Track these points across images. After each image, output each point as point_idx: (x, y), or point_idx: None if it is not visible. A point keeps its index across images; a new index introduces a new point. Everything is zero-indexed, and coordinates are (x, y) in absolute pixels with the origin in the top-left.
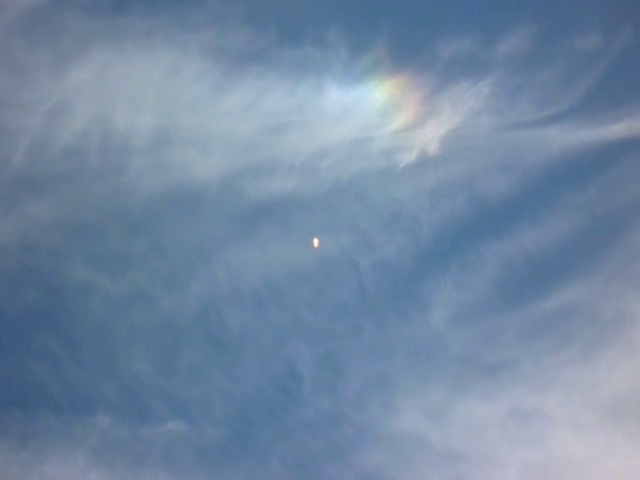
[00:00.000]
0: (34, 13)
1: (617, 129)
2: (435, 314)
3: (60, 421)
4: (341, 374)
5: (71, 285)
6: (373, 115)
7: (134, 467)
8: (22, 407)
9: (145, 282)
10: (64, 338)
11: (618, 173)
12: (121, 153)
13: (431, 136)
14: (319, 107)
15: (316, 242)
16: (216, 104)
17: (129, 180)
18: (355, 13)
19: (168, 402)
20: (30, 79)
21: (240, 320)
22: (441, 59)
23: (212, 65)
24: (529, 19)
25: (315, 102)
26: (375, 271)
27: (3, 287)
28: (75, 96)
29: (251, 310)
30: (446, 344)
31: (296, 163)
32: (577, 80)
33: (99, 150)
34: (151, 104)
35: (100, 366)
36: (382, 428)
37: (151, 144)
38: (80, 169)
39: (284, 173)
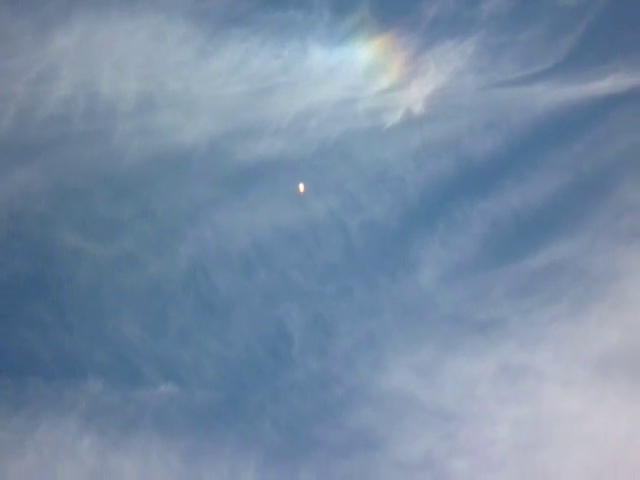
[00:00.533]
0: None
1: (602, 85)
2: (424, 273)
3: (51, 387)
4: (331, 335)
5: (60, 251)
6: (358, 76)
7: (126, 431)
8: (13, 374)
9: (133, 246)
10: (53, 304)
11: (604, 129)
12: (107, 118)
13: (416, 96)
14: (304, 69)
15: (301, 187)
16: (201, 68)
17: (116, 145)
18: None
19: (159, 366)
20: (14, 46)
21: (229, 282)
22: (425, 19)
23: (196, 29)
24: None
25: (300, 64)
26: (363, 231)
27: None
28: (60, 62)
29: (240, 272)
30: (435, 303)
31: (282, 125)
32: (561, 37)
33: (85, 115)
34: (136, 69)
35: (90, 331)
36: (372, 388)
37: (137, 108)
38: (66, 135)
39: (270, 135)
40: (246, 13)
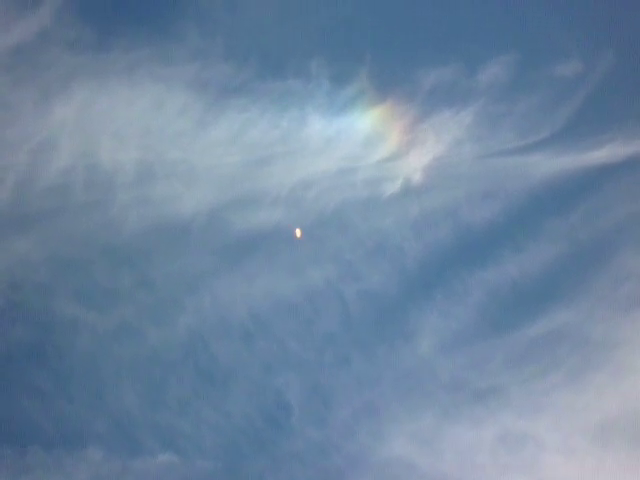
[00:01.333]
0: (18, 50)
1: (599, 155)
2: (422, 342)
3: (51, 456)
4: (330, 404)
5: (59, 321)
6: (357, 145)
7: None
8: (13, 443)
9: (132, 316)
10: (53, 373)
11: (600, 198)
12: (106, 188)
13: (415, 165)
14: (302, 139)
15: (298, 233)
16: (200, 138)
17: (115, 215)
18: (336, 44)
19: (158, 435)
20: (15, 116)
21: (228, 352)
22: (423, 88)
23: (195, 99)
24: (509, 47)
25: (298, 134)
26: (361, 301)
27: None
28: (60, 132)
29: (238, 342)
30: (434, 371)
31: (281, 195)
32: (558, 107)
33: (84, 186)
34: (135, 139)
35: (90, 400)
36: (372, 456)
37: (136, 178)
38: (66, 205)
39: (269, 205)
40: (245, 83)
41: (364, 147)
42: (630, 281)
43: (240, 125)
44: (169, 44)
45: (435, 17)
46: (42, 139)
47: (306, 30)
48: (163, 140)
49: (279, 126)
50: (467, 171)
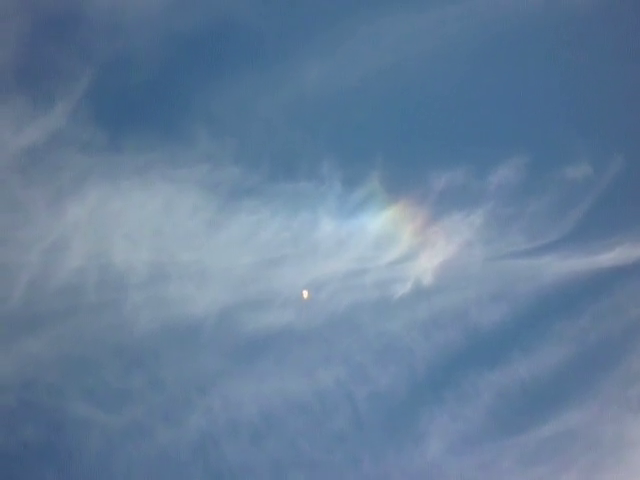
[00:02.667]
0: (31, 151)
1: (608, 257)
2: (431, 443)
3: None
4: None
5: (70, 420)
6: (367, 247)
7: None
8: None
9: (143, 416)
10: (64, 473)
11: (609, 301)
12: (118, 289)
13: (425, 267)
14: (314, 240)
15: (305, 294)
16: (212, 238)
17: (126, 315)
18: (348, 146)
19: None
20: (28, 216)
21: (238, 452)
22: (434, 191)
23: (207, 200)
24: (520, 150)
25: (310, 235)
26: (371, 402)
27: (3, 423)
28: (72, 233)
29: (249, 442)
30: (444, 473)
31: (292, 296)
32: (568, 209)
33: (97, 286)
34: (147, 239)
35: None
36: None
37: (148, 279)
38: (78, 305)
39: (280, 306)
40: (257, 185)
41: (375, 249)
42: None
43: (251, 226)
44: (180, 146)
45: (446, 120)
46: (55, 239)
47: (317, 132)
48: (175, 241)
49: (290, 228)
50: (477, 273)
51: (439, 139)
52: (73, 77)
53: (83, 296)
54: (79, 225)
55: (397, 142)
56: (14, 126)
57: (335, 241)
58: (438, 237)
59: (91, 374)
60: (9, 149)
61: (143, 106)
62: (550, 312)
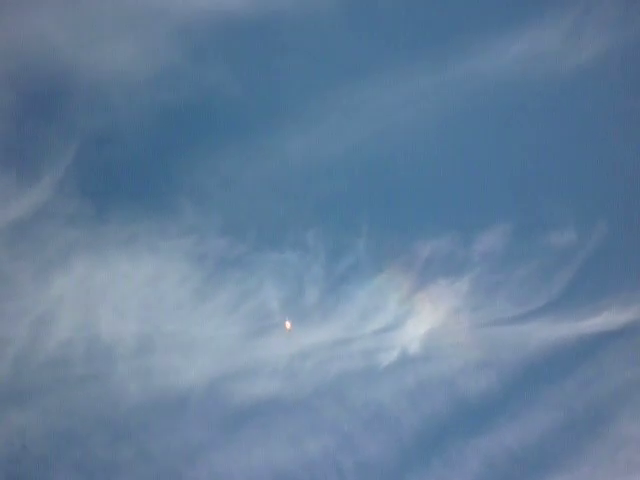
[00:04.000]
0: (18, 224)
1: (595, 322)
2: None
3: None
4: None
5: None
6: (354, 316)
7: None
8: None
9: None
10: None
11: (597, 366)
12: (106, 360)
13: (412, 335)
14: (300, 310)
15: (288, 325)
16: (198, 309)
17: (114, 387)
18: (333, 216)
19: None
20: (15, 289)
21: None
22: (420, 258)
23: (194, 271)
24: (504, 217)
25: (296, 305)
26: (358, 471)
27: None
28: (59, 305)
29: None
30: None
31: (278, 366)
32: (554, 276)
33: (84, 358)
34: (134, 311)
35: None
36: None
37: (135, 350)
38: (65, 378)
39: (267, 376)
40: (243, 255)
41: (361, 317)
42: (628, 447)
43: (238, 296)
44: (166, 218)
45: (430, 188)
46: (42, 312)
47: (302, 202)
48: (162, 312)
49: (277, 298)
50: (463, 340)
51: (424, 207)
52: (59, 151)
53: (70, 368)
54: (66, 297)
55: (382, 211)
56: (1, 200)
57: (321, 310)
58: (424, 305)
59: (79, 446)
60: None
61: (128, 178)
62: (537, 378)
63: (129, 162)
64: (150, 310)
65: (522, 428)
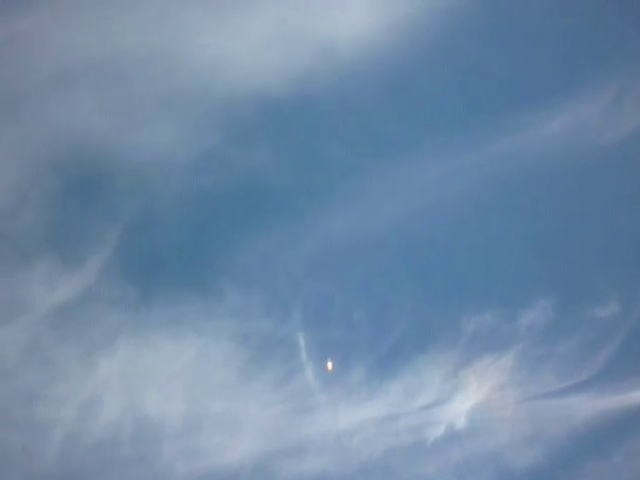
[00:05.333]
0: (63, 308)
1: (638, 395)
2: None
3: None
4: None
5: None
6: (400, 392)
7: None
8: None
9: None
10: None
11: None
12: (153, 441)
13: (458, 411)
14: (346, 386)
15: (330, 365)
16: (243, 388)
17: (161, 468)
18: (376, 294)
19: None
20: (61, 372)
21: None
22: (464, 335)
23: (238, 350)
24: (547, 291)
25: (342, 381)
26: None
27: None
28: (105, 387)
29: None
30: None
31: (325, 444)
32: (597, 349)
33: (131, 440)
34: (180, 391)
35: None
36: None
37: (182, 430)
38: (113, 460)
39: (314, 454)
40: (286, 335)
41: (407, 394)
42: None
43: (283, 375)
44: (209, 300)
45: (473, 264)
46: (88, 395)
47: (343, 282)
48: (207, 391)
49: (322, 375)
50: (509, 415)
51: (467, 283)
52: (101, 236)
53: (118, 450)
54: (112, 379)
55: (426, 287)
56: (47, 284)
57: (367, 387)
58: (470, 381)
59: None
60: (42, 306)
61: (171, 262)
62: (583, 453)
63: (171, 246)
64: (195, 390)
65: None
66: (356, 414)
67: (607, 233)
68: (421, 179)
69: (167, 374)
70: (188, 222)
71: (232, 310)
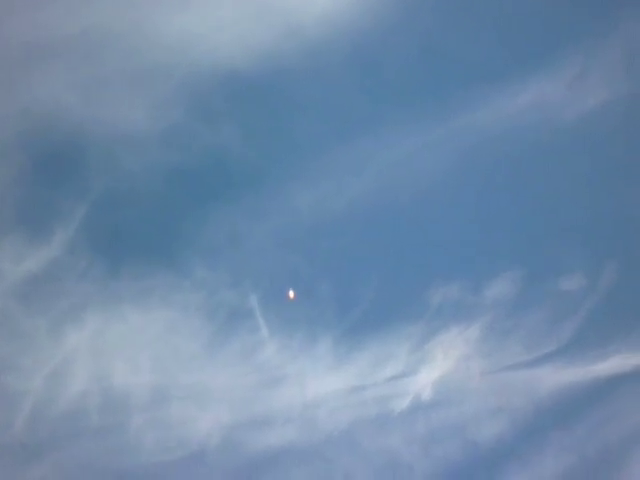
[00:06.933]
0: (31, 280)
1: (605, 367)
2: None
3: None
4: None
5: None
6: (366, 364)
7: None
8: None
9: None
10: None
11: (607, 410)
12: (121, 412)
13: (424, 382)
14: (313, 358)
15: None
16: (211, 360)
17: (130, 438)
18: (342, 267)
19: None
20: (29, 343)
21: None
22: (431, 307)
23: (206, 323)
24: (513, 263)
25: (309, 353)
26: None
27: None
28: (74, 358)
29: None
30: None
31: (292, 415)
32: (564, 320)
33: (99, 410)
34: (148, 362)
35: None
36: None
37: (150, 401)
38: (81, 430)
39: (280, 425)
40: (255, 307)
41: (374, 365)
42: None
43: (250, 346)
44: (177, 274)
45: (439, 237)
46: (56, 365)
47: (311, 256)
48: (175, 363)
49: (289, 346)
50: (475, 386)
51: (434, 256)
52: (69, 210)
53: (86, 420)
54: (80, 350)
55: (391, 261)
56: (14, 257)
57: (334, 359)
58: (436, 352)
59: None
60: (9, 278)
61: (139, 236)
62: (548, 423)
63: (139, 219)
64: (164, 362)
65: (534, 474)
66: (323, 385)
67: (572, 207)
68: (388, 155)
69: (135, 346)
70: (156, 196)
71: (199, 283)
